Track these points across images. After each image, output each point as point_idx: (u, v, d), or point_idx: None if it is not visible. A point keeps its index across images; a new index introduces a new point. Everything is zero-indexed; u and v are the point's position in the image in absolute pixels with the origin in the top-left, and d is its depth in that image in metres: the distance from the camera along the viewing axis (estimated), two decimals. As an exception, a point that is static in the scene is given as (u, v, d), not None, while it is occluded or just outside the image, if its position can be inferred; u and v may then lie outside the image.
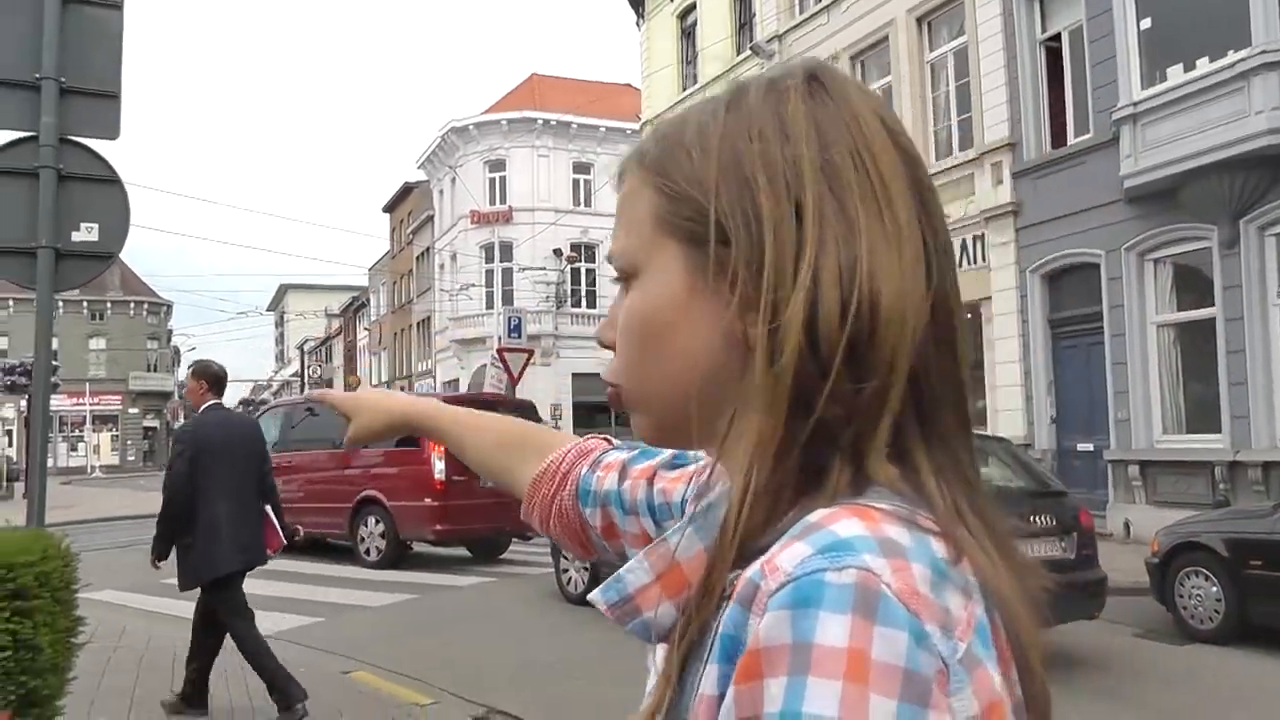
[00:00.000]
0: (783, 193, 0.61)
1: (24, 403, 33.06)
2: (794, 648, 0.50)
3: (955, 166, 15.37)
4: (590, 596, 0.71)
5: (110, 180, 4.82)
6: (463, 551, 13.30)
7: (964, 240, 15.18)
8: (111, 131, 4.80)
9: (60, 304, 53.25)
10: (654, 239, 0.67)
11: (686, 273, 0.65)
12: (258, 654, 5.52)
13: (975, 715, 0.52)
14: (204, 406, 5.78)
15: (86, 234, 4.64)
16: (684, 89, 22.98)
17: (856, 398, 0.58)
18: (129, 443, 61.20)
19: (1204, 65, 11.46)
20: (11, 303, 52.43)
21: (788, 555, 0.54)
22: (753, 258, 0.61)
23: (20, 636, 3.65)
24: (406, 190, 47.56)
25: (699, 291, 0.64)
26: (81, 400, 55.76)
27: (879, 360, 0.58)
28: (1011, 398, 14.43)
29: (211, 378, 5.84)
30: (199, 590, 5.68)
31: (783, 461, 0.59)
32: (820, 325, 0.58)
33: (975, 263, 15.01)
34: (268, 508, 5.88)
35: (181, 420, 43.32)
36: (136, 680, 6.25)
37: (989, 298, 14.71)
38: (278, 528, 5.94)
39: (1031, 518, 6.97)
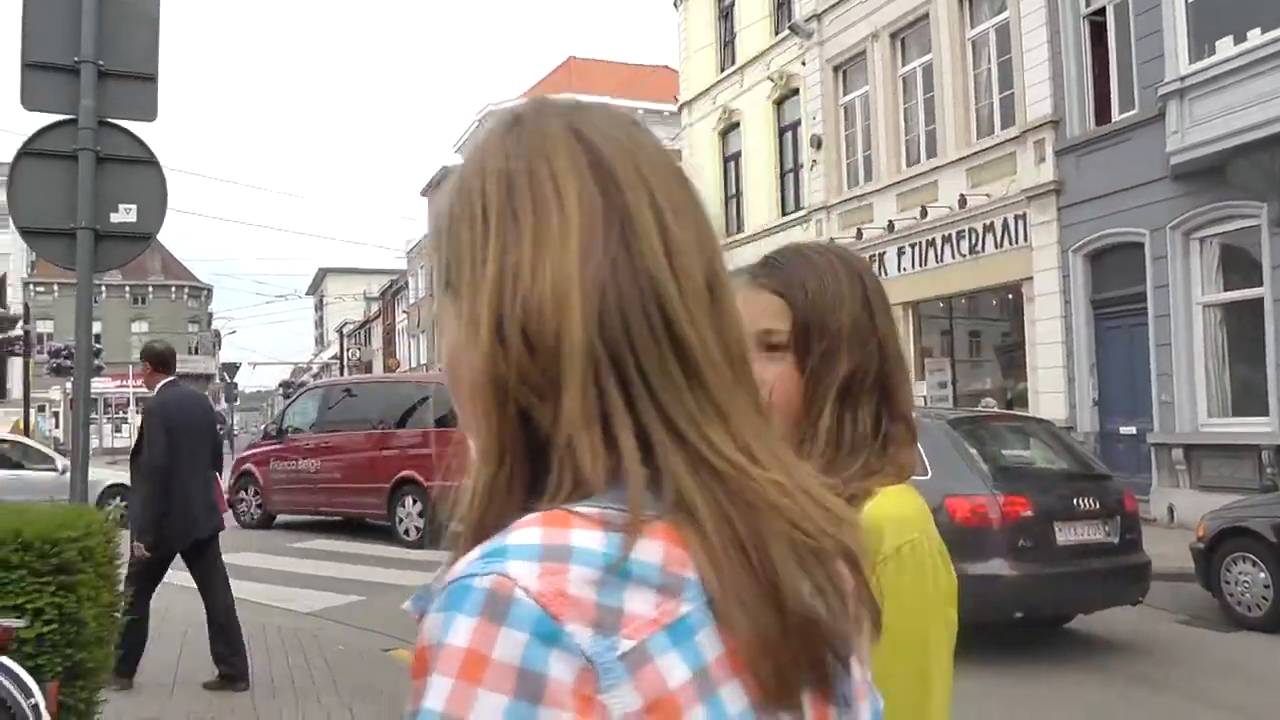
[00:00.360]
0: (477, 218, 0.67)
1: (69, 385, 33.68)
2: (435, 648, 0.56)
3: (997, 145, 15.12)
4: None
5: (147, 162, 4.87)
6: (500, 532, 13.37)
7: (1005, 219, 14.96)
8: (149, 114, 4.85)
9: (103, 288, 54.18)
10: (440, 296, 0.72)
11: (454, 315, 0.69)
12: (137, 621, 5.60)
13: (635, 711, 0.55)
14: (160, 385, 5.99)
15: (125, 215, 4.70)
16: (722, 70, 22.75)
17: (544, 385, 0.63)
18: (172, 424, 62.21)
19: (1255, 37, 11.15)
20: (56, 287, 53.35)
21: (463, 560, 0.59)
22: (460, 282, 0.67)
23: (65, 610, 3.72)
24: (445, 174, 47.79)
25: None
26: (125, 382, 56.58)
27: (549, 346, 0.62)
28: (1053, 379, 14.23)
29: (155, 358, 6.06)
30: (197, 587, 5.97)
31: (501, 462, 0.65)
32: (505, 326, 0.63)
33: (1017, 242, 14.79)
34: (216, 474, 6.20)
35: (223, 403, 44.07)
36: (180, 654, 6.36)
37: (1030, 278, 14.51)
38: (223, 495, 6.30)
39: (1075, 501, 6.89)
